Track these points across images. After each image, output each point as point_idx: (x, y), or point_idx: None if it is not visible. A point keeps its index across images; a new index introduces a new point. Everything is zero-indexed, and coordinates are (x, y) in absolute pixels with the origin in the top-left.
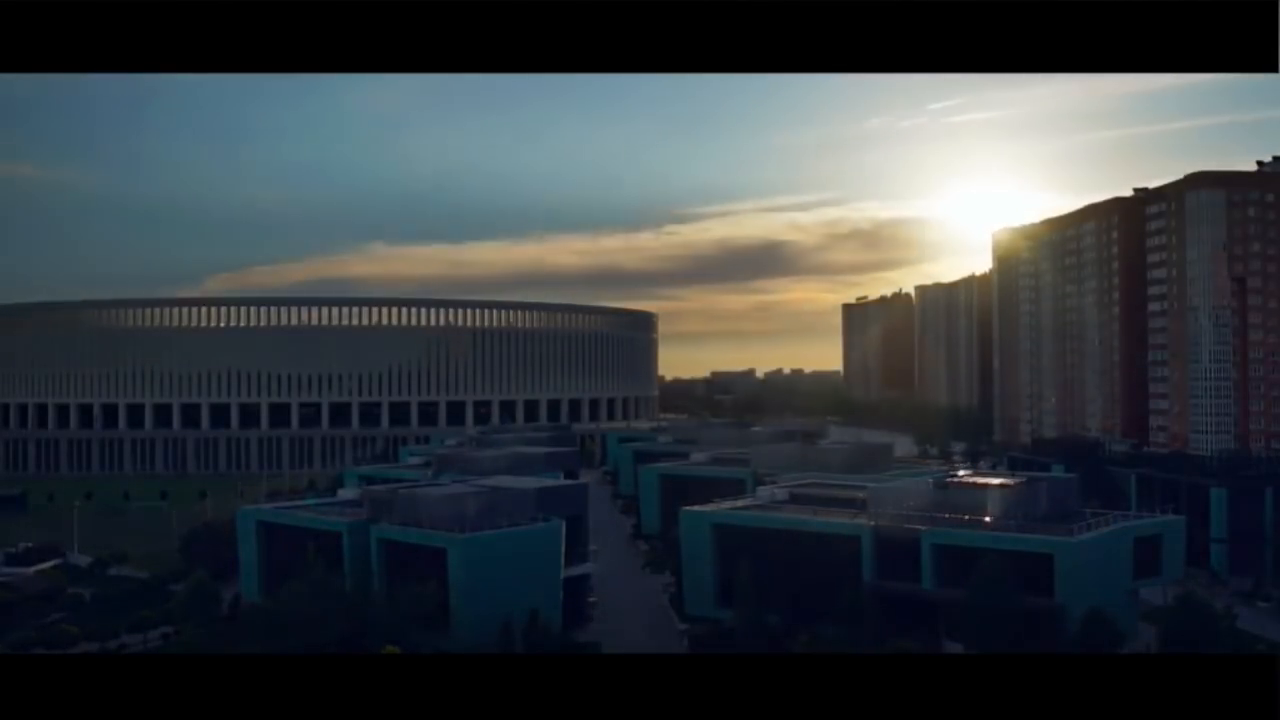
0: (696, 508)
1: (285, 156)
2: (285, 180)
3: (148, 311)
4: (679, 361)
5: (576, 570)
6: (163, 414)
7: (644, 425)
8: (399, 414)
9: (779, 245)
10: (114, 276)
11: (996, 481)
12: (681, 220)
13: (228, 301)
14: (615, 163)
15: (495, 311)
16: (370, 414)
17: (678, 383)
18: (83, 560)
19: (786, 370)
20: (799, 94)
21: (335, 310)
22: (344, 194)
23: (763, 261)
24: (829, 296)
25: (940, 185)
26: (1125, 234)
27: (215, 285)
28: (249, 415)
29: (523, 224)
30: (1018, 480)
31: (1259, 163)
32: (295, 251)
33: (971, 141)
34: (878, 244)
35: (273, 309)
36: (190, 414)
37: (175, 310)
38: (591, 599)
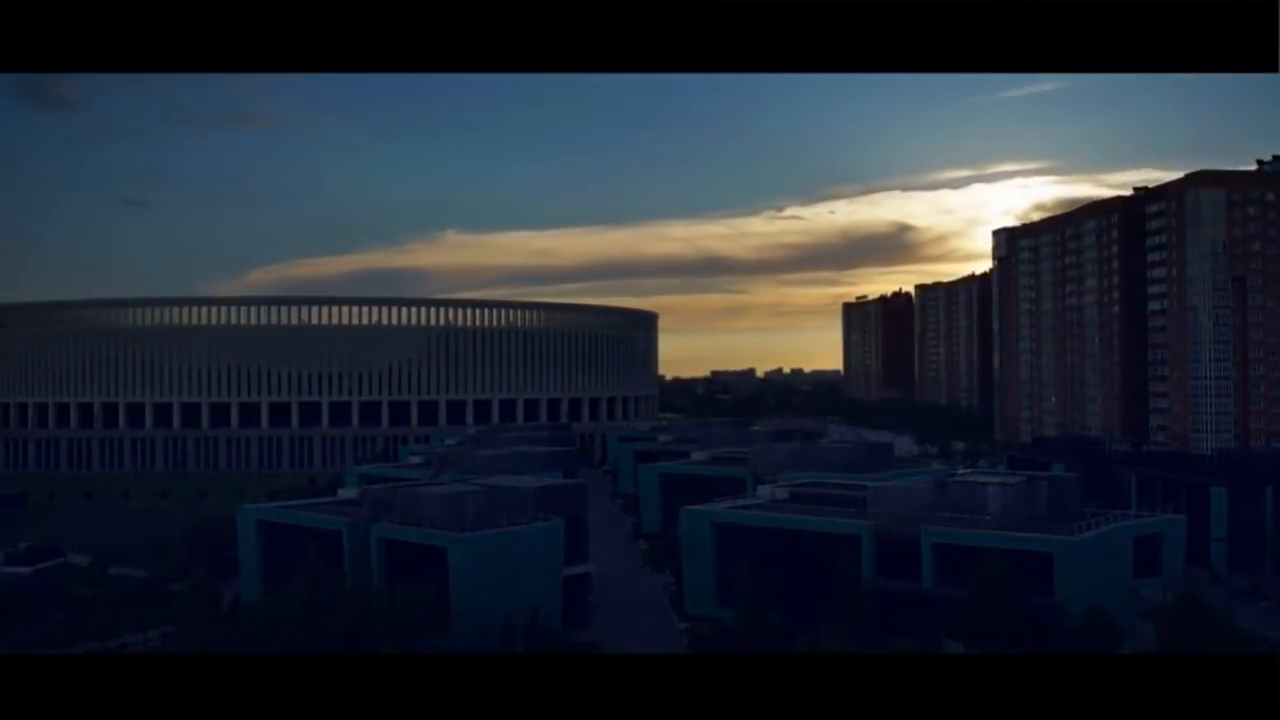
0: (697, 507)
1: (357, 151)
2: (354, 173)
3: (148, 311)
4: (679, 361)
5: (576, 569)
6: (163, 413)
7: (644, 425)
8: (399, 414)
9: (907, 230)
10: (149, 271)
11: (996, 480)
12: (811, 201)
13: (228, 301)
14: (738, 143)
15: (495, 311)
16: (370, 414)
17: (678, 382)
18: (83, 560)
19: (786, 370)
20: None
21: (335, 310)
22: (421, 185)
23: (880, 248)
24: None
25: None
26: (1125, 233)
27: (257, 279)
28: (249, 415)
29: (622, 209)
30: (1018, 479)
31: (1259, 162)
32: (363, 243)
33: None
34: None
35: (273, 309)
36: (190, 413)
37: (175, 310)
38: (591, 598)
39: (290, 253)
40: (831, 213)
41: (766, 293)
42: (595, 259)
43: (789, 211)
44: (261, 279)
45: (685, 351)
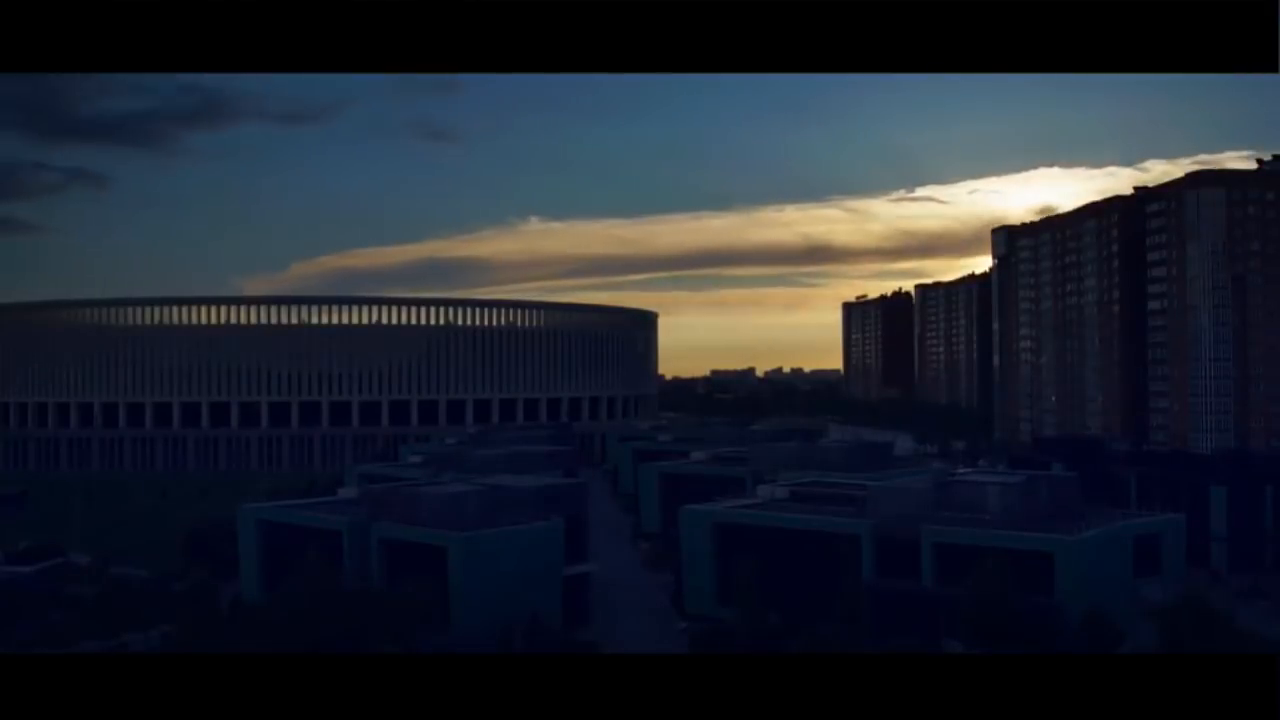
0: (696, 506)
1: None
2: (425, 163)
3: (148, 310)
4: (679, 360)
5: (577, 569)
6: (163, 413)
7: (644, 424)
8: (399, 413)
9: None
10: (182, 264)
11: (997, 480)
12: (949, 181)
13: (229, 301)
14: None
15: (495, 311)
16: (370, 413)
17: (678, 381)
18: (83, 559)
19: (786, 369)
20: None
21: (335, 310)
22: (506, 172)
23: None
24: None
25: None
26: (1125, 233)
27: (300, 271)
28: (249, 414)
29: (733, 194)
30: (1018, 479)
31: (1259, 161)
32: (433, 231)
33: None
34: None
35: (274, 308)
36: (190, 413)
37: (176, 309)
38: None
39: (350, 243)
40: (971, 193)
41: (843, 285)
42: (683, 248)
43: (923, 191)
44: (305, 270)
45: (685, 351)
